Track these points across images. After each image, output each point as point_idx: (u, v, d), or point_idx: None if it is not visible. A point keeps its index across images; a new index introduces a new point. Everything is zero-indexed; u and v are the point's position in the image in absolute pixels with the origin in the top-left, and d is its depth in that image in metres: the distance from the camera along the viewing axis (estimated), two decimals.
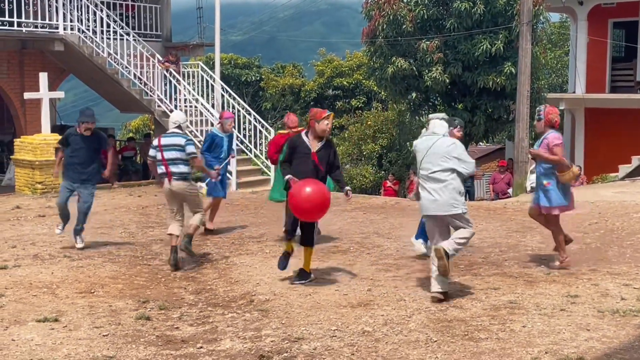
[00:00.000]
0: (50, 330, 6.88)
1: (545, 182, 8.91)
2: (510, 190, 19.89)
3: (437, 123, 8.03)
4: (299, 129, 10.11)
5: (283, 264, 8.65)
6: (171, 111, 17.89)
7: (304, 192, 8.01)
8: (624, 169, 19.96)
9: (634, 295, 7.77)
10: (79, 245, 10.36)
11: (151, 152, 9.66)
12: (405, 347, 6.38)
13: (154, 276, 9.01)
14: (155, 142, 9.68)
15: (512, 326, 6.85)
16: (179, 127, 9.62)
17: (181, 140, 9.47)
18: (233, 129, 12.03)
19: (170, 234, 9.44)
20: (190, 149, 9.47)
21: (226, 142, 11.75)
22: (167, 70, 18.13)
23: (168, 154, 9.42)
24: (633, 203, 13.98)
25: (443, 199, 7.71)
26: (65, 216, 10.61)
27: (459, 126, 8.90)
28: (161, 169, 9.48)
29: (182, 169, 9.44)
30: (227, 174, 11.92)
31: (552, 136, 8.87)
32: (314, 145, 8.43)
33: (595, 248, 10.24)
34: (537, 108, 9.20)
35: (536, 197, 9.12)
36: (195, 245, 10.74)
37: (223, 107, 18.95)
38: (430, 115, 8.43)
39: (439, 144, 7.83)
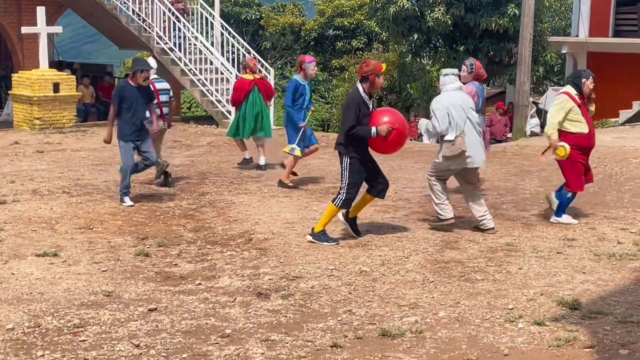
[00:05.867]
0: (50, 265, 6.93)
1: None
2: (510, 135, 19.79)
3: None
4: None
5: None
6: (170, 49, 17.69)
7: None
8: (625, 114, 19.84)
9: (631, 239, 7.83)
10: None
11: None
12: (402, 286, 6.43)
13: (153, 213, 9.03)
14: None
15: (509, 268, 6.90)
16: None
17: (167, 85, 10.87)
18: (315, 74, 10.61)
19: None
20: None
21: (308, 90, 10.52)
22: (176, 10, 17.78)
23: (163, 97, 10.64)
24: (632, 148, 13.96)
25: None
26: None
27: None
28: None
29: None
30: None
31: None
32: (370, 104, 7.76)
33: (594, 192, 10.26)
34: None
35: None
36: (194, 184, 10.77)
37: (222, 46, 18.71)
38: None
39: None
